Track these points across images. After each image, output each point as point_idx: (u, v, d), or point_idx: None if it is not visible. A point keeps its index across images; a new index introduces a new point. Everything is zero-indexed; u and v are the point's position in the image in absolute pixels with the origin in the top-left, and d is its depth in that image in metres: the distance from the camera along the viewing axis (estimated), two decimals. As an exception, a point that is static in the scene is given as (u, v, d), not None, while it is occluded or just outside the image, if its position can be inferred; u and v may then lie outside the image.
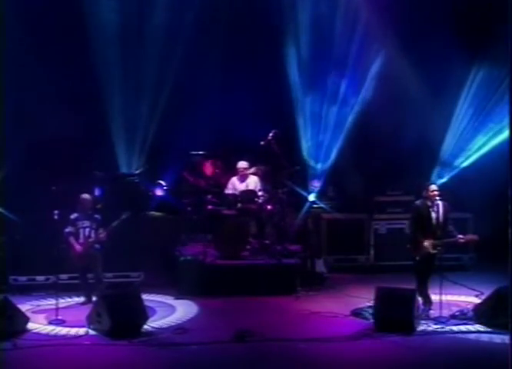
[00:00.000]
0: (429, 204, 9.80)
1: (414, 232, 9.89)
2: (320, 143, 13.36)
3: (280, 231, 11.97)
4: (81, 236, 10.64)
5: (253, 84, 12.62)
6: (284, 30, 13.20)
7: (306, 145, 13.38)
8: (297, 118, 13.36)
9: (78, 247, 10.53)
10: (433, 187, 9.91)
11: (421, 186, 10.08)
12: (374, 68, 13.13)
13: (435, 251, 9.65)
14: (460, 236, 9.77)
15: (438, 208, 9.79)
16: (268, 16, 12.97)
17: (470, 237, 9.97)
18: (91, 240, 10.61)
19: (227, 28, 13.22)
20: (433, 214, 9.77)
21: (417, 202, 10.01)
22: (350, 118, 13.28)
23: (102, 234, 10.54)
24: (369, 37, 13.02)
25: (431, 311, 9.68)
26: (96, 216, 10.74)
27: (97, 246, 10.63)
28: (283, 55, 13.21)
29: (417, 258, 9.75)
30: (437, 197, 9.77)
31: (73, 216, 10.65)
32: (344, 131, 13.29)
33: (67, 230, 10.56)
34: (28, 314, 9.44)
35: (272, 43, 13.04)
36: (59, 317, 9.47)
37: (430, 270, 9.75)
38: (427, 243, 9.65)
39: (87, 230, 10.66)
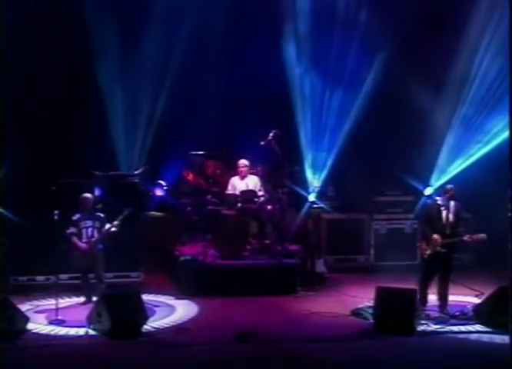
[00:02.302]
0: (440, 203, 9.85)
1: (424, 230, 9.95)
2: (321, 143, 13.36)
3: (280, 231, 11.96)
4: (84, 236, 10.64)
5: (253, 84, 12.60)
6: (284, 28, 13.21)
7: (306, 145, 13.38)
8: (297, 119, 13.36)
9: (82, 246, 10.53)
10: (450, 188, 9.96)
11: (439, 187, 10.11)
12: (375, 67, 13.14)
13: (442, 250, 9.67)
14: (467, 236, 9.78)
15: (449, 208, 9.83)
16: (268, 14, 12.98)
17: (478, 236, 9.86)
18: (94, 239, 10.62)
19: (227, 28, 13.21)
20: (444, 214, 9.81)
21: (428, 201, 10.07)
22: (351, 118, 13.27)
23: (114, 225, 10.53)
24: (369, 36, 13.04)
25: (430, 311, 9.72)
26: (99, 214, 10.75)
27: (100, 246, 10.64)
28: (284, 54, 13.21)
29: (426, 256, 9.75)
30: (451, 198, 9.83)
31: (75, 217, 10.65)
32: (344, 131, 13.29)
33: (69, 230, 10.56)
34: (28, 314, 9.44)
35: (272, 42, 13.04)
36: (59, 317, 9.46)
37: (437, 271, 9.78)
38: (436, 236, 9.66)
39: (89, 230, 10.66)
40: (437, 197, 9.99)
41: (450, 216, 9.82)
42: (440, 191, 10.00)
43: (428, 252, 9.74)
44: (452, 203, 9.86)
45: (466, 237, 9.76)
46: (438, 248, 9.65)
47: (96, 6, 12.80)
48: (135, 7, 13.02)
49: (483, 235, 9.89)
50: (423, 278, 9.84)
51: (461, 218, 9.91)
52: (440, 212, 9.83)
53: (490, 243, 10.87)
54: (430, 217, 9.91)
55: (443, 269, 9.79)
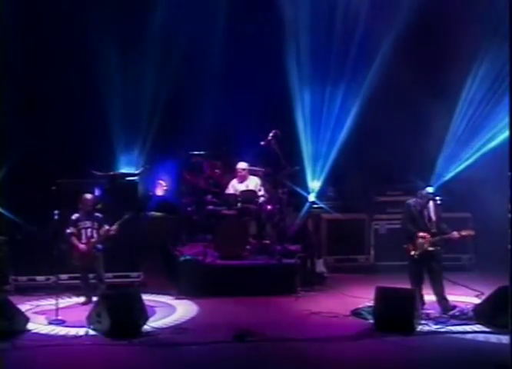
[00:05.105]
0: (420, 204, 9.88)
1: (407, 228, 9.93)
2: (321, 143, 13.35)
3: (280, 231, 11.97)
4: (83, 236, 10.64)
5: (253, 84, 12.62)
6: (285, 29, 13.20)
7: (306, 145, 13.38)
8: (297, 119, 13.36)
9: (81, 248, 10.52)
10: (429, 189, 9.99)
11: (418, 187, 10.14)
12: (375, 67, 13.13)
13: (432, 248, 9.69)
14: (455, 232, 9.80)
15: (429, 208, 9.88)
16: (269, 15, 12.98)
17: (466, 232, 9.92)
18: (93, 240, 10.61)
19: (228, 28, 13.23)
20: (426, 213, 9.88)
21: (410, 201, 10.08)
22: (351, 118, 13.27)
23: (112, 229, 10.53)
24: (369, 35, 13.03)
25: (430, 311, 9.72)
26: (97, 215, 10.74)
27: (99, 246, 10.63)
28: (283, 55, 13.19)
29: (415, 256, 9.76)
30: (430, 199, 9.86)
31: (74, 216, 10.66)
32: (344, 131, 13.29)
33: (68, 230, 10.56)
34: (28, 314, 9.44)
35: (272, 42, 13.04)
36: (59, 317, 9.46)
37: (427, 271, 9.80)
38: (422, 240, 9.70)
39: (88, 230, 10.66)
40: (417, 199, 10.00)
41: (432, 215, 9.87)
42: (419, 193, 10.01)
43: (416, 253, 9.76)
44: (431, 203, 9.90)
45: (454, 234, 9.78)
46: (426, 246, 9.68)
47: (96, 5, 12.81)
48: (136, 6, 13.03)
49: (471, 231, 9.94)
50: (414, 279, 9.85)
51: (442, 217, 9.95)
52: (421, 212, 9.89)
53: (490, 243, 10.92)
54: (412, 218, 9.93)
55: (433, 268, 9.79)
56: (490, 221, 11.21)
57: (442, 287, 9.81)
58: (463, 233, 9.85)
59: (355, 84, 13.20)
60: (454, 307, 9.78)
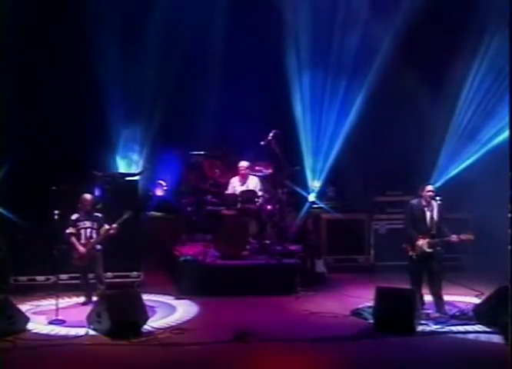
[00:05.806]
0: (424, 203, 9.85)
1: (409, 230, 9.91)
2: (321, 143, 13.36)
3: (280, 231, 11.97)
4: (83, 237, 10.63)
5: (253, 84, 12.62)
6: (284, 29, 13.20)
7: (306, 145, 13.38)
8: (297, 119, 13.36)
9: (80, 248, 10.52)
10: (430, 187, 9.96)
11: (418, 186, 10.12)
12: (375, 67, 13.13)
13: (431, 250, 9.68)
14: (454, 236, 9.77)
15: (433, 208, 9.83)
16: (268, 15, 12.98)
17: (466, 236, 9.87)
18: (92, 241, 10.61)
19: (228, 28, 13.23)
20: (428, 214, 9.82)
21: (413, 201, 10.04)
22: (351, 119, 13.28)
23: (112, 228, 10.52)
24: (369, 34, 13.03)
25: (430, 311, 9.73)
26: (97, 215, 10.73)
27: (98, 247, 10.63)
28: (283, 54, 13.20)
29: (414, 257, 9.76)
30: (432, 198, 9.82)
31: (74, 217, 10.65)
32: (345, 131, 13.29)
33: (68, 231, 10.55)
34: (28, 314, 9.43)
35: (272, 42, 13.05)
36: (59, 317, 9.46)
37: (426, 271, 9.79)
38: (421, 242, 9.68)
39: (88, 230, 10.65)
40: (419, 199, 9.95)
41: (435, 216, 9.82)
42: (420, 191, 9.97)
43: (414, 254, 9.75)
44: (434, 203, 9.86)
45: (453, 237, 9.76)
46: (425, 248, 9.67)
47: (97, 6, 12.81)
48: (138, 8, 13.03)
49: (470, 235, 9.86)
50: (414, 279, 9.85)
51: (444, 219, 9.90)
52: (424, 213, 9.84)
53: (490, 243, 10.91)
54: (414, 218, 9.90)
55: (432, 269, 9.78)
56: (489, 221, 11.20)
57: (440, 287, 9.80)
58: (463, 237, 9.78)
59: (355, 83, 13.21)
60: (450, 308, 9.75)
